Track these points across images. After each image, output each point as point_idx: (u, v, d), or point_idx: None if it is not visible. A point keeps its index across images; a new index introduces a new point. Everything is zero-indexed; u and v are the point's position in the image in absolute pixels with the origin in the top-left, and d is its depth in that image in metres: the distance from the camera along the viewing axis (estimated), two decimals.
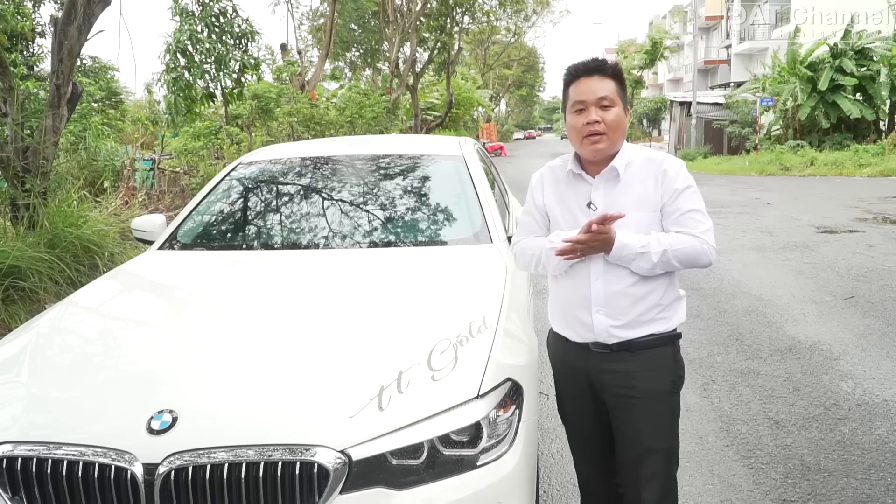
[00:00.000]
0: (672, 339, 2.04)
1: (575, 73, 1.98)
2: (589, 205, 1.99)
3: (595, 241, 1.87)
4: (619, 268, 1.95)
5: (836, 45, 22.13)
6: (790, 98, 23.02)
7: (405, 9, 23.43)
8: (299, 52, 18.93)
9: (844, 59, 21.74)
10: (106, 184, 10.41)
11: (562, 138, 78.23)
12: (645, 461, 2.03)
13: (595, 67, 1.96)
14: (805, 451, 3.27)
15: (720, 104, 28.86)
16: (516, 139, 73.55)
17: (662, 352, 2.02)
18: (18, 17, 10.22)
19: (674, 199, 1.95)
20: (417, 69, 26.03)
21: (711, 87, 40.69)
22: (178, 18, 10.77)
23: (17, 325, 4.83)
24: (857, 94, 22.18)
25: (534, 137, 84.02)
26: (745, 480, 3.02)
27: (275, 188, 3.49)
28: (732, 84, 35.55)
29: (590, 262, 1.98)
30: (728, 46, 40.38)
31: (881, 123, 22.74)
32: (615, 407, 2.05)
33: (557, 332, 2.14)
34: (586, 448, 2.23)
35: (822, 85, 21.76)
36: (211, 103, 12.23)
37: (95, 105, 13.35)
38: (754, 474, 3.07)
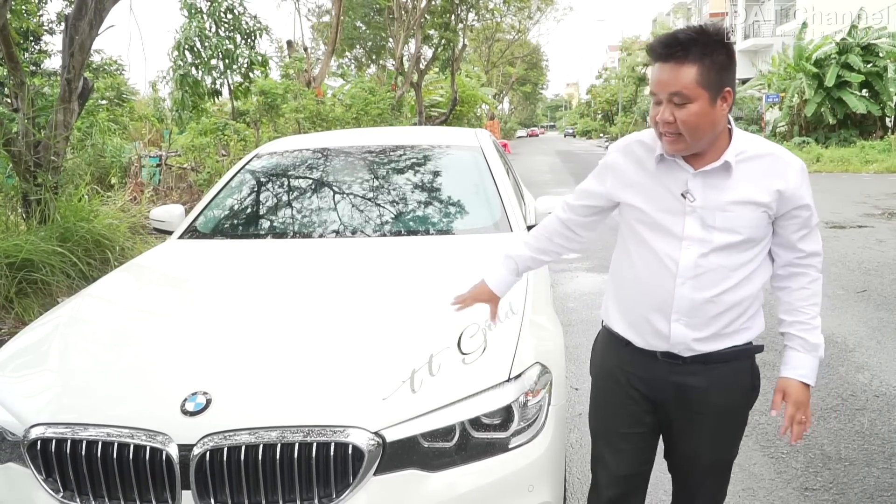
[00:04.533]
0: (752, 351, 1.76)
1: (651, 54, 1.58)
2: (684, 194, 1.64)
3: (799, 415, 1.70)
4: (713, 271, 1.64)
5: (843, 40, 22.05)
6: (796, 94, 22.95)
7: (410, 6, 23.41)
8: (305, 49, 18.91)
9: (851, 55, 21.67)
10: (113, 180, 10.45)
11: (565, 136, 78.19)
12: (704, 473, 1.86)
13: (669, 52, 1.53)
14: (825, 440, 3.26)
15: None
16: (519, 137, 73.56)
17: (741, 366, 1.75)
18: (26, 15, 10.25)
19: (800, 226, 1.67)
20: (422, 66, 26.00)
21: None
22: (186, 14, 10.79)
23: (31, 318, 4.85)
24: (864, 91, 22.11)
25: (537, 135, 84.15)
26: (766, 469, 3.02)
27: (295, 178, 3.49)
28: (737, 80, 35.43)
29: (678, 260, 1.65)
30: (733, 43, 40.22)
31: (888, 120, 22.67)
32: (678, 420, 1.79)
33: (617, 332, 1.81)
34: (617, 450, 1.87)
35: (829, 81, 21.69)
36: (216, 99, 12.25)
37: (103, 103, 13.37)
38: (775, 463, 3.07)
